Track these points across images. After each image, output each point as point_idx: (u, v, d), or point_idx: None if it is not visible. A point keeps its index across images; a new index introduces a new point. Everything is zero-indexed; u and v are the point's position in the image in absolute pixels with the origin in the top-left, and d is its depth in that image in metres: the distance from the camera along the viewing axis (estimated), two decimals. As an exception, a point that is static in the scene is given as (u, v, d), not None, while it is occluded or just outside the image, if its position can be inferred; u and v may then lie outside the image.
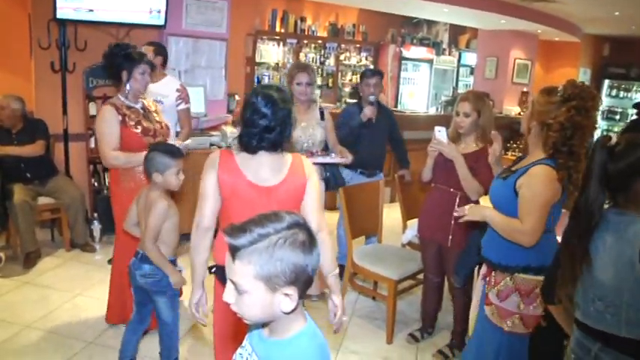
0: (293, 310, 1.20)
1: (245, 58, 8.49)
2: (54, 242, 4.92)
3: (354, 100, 4.98)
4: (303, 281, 1.18)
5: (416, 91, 10.20)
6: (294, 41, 9.14)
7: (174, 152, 2.75)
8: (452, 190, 3.20)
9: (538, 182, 2.28)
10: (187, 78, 5.44)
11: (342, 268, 3.69)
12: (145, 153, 2.85)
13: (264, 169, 2.20)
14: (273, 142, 2.16)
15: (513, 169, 2.46)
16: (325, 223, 2.32)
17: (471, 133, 3.21)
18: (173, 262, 2.80)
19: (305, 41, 9.33)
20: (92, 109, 5.11)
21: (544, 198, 2.27)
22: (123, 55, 3.25)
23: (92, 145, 5.15)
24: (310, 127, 3.89)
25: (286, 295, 1.16)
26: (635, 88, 10.72)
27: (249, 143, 2.16)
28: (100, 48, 3.32)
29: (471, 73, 10.66)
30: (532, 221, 2.27)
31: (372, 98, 4.12)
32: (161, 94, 4.20)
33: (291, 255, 1.14)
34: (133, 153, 3.22)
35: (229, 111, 6.80)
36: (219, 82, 5.77)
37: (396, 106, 9.58)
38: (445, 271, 3.41)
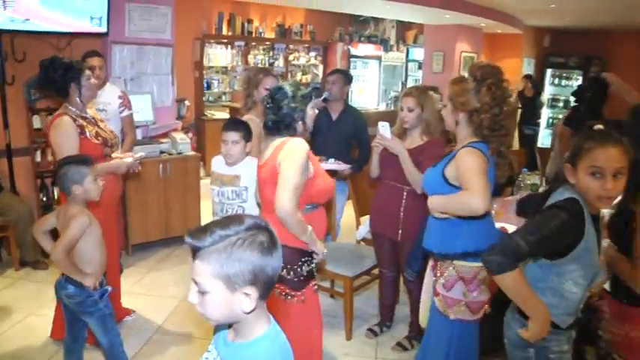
0: (253, 311, 1.23)
1: (193, 62, 8.43)
2: (2, 262, 4.74)
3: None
4: (263, 281, 1.21)
5: (366, 87, 10.30)
6: (242, 44, 9.11)
7: (86, 160, 2.69)
8: (399, 185, 3.26)
9: (467, 157, 2.33)
10: (133, 86, 5.35)
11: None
12: (109, 162, 2.96)
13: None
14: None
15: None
16: (287, 206, 2.34)
17: (416, 128, 3.27)
18: (100, 285, 2.71)
19: (253, 43, 9.31)
20: (36, 122, 4.98)
21: (478, 166, 2.30)
22: (64, 69, 3.16)
23: (38, 159, 5.04)
24: None
25: (246, 294, 1.19)
26: (574, 76, 11.09)
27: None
28: (40, 59, 3.21)
29: (420, 67, 10.82)
30: (477, 185, 2.27)
31: (325, 94, 4.20)
32: (103, 102, 4.14)
33: (249, 255, 1.18)
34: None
35: (179, 117, 6.74)
36: (166, 89, 5.70)
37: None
38: (399, 264, 3.47)
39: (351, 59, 9.96)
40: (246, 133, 3.02)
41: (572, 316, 1.97)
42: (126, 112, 4.26)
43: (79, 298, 2.65)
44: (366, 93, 10.28)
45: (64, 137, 3.14)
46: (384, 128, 3.20)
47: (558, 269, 1.91)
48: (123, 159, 3.39)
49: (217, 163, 3.10)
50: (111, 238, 3.45)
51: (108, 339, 2.77)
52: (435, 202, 2.46)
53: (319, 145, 4.13)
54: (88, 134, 3.21)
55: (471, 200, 2.26)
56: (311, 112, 2.64)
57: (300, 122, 2.54)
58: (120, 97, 4.25)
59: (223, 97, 9.11)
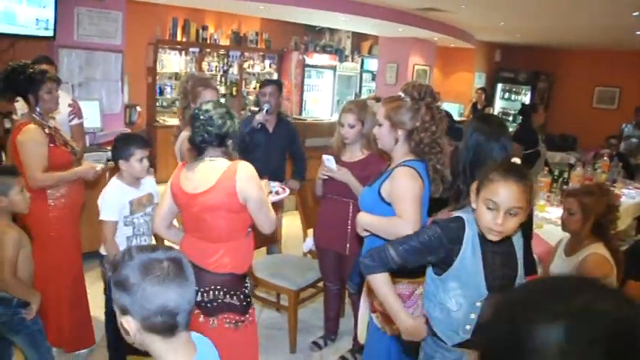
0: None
1: (146, 67, 8.31)
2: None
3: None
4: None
5: (320, 97, 10.34)
6: (197, 50, 9.03)
7: (11, 171, 2.63)
8: (344, 199, 3.28)
9: (402, 179, 2.36)
10: (81, 92, 5.26)
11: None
12: (77, 168, 2.97)
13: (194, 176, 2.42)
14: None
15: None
16: (274, 224, 2.53)
17: (356, 142, 3.30)
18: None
19: (207, 50, 9.24)
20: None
21: (412, 191, 2.34)
22: (24, 79, 3.07)
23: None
24: None
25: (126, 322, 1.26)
26: (523, 91, 11.41)
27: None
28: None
29: (373, 78, 10.93)
30: (410, 212, 2.32)
31: (266, 106, 4.15)
32: (53, 110, 4.05)
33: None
34: (59, 172, 3.15)
35: (130, 122, 6.63)
36: (115, 95, 5.61)
37: (300, 113, 9.70)
38: (344, 278, 3.49)
39: (306, 68, 10.00)
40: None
41: (457, 335, 1.98)
42: (76, 121, 4.16)
43: (5, 317, 2.57)
44: (320, 103, 10.32)
45: (35, 147, 3.06)
46: (329, 162, 3.23)
47: (443, 285, 1.98)
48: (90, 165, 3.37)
49: (121, 190, 2.92)
50: (77, 250, 3.44)
51: (37, 356, 2.69)
52: (363, 219, 2.49)
53: (260, 159, 4.12)
54: (57, 142, 3.16)
55: (402, 229, 2.22)
56: (260, 117, 2.67)
57: (230, 141, 2.44)
58: (70, 106, 4.14)
59: (177, 103, 9.00)
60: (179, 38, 8.76)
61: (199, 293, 2.37)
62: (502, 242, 1.91)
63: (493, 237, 1.83)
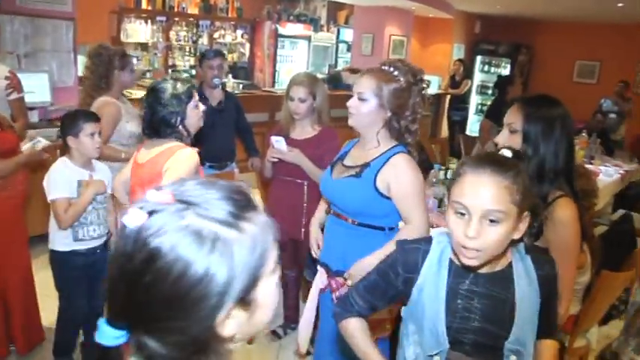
0: None
1: (110, 37, 7.92)
2: None
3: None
4: None
5: (294, 69, 9.99)
6: (164, 19, 8.65)
7: None
8: (298, 180, 3.05)
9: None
10: (28, 63, 4.89)
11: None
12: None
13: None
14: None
15: (349, 163, 2.27)
16: None
17: (307, 118, 3.07)
18: None
19: (176, 19, 8.87)
20: None
21: (419, 185, 2.18)
22: None
23: None
24: None
25: None
26: (503, 64, 11.17)
27: None
28: None
29: (350, 49, 10.63)
30: (419, 213, 2.15)
31: (216, 82, 3.83)
32: (-14, 82, 3.70)
33: None
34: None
35: (85, 96, 6.27)
36: (67, 67, 5.24)
37: (273, 85, 9.37)
38: (300, 264, 3.29)
39: (279, 39, 9.68)
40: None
41: None
42: (14, 95, 3.82)
43: None
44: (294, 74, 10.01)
45: None
46: (278, 143, 3.01)
47: (404, 326, 1.58)
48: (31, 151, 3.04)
49: (69, 169, 2.69)
50: (22, 241, 3.15)
51: None
52: (367, 264, 1.98)
53: (212, 139, 3.85)
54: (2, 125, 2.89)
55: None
56: (194, 112, 2.39)
57: (180, 127, 2.33)
58: (7, 78, 3.80)
59: (148, 75, 8.64)
60: (144, 6, 8.38)
61: None
62: (489, 277, 1.43)
63: (466, 259, 1.34)
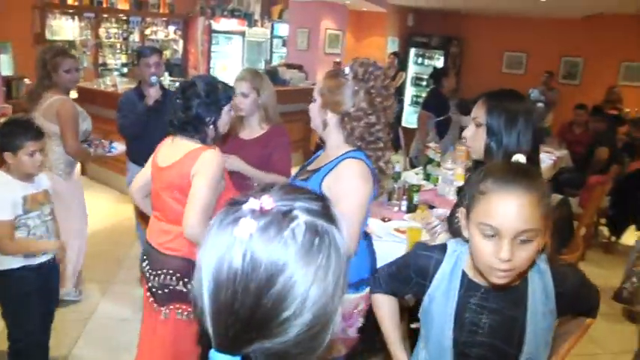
0: None
1: (33, 35, 7.54)
2: None
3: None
4: None
5: (229, 64, 9.86)
6: (92, 15, 8.32)
7: None
8: (247, 181, 2.97)
9: (351, 177, 1.97)
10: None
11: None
12: None
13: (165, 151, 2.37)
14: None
15: (310, 168, 2.18)
16: (197, 227, 2.14)
17: (254, 115, 3.00)
18: None
19: (105, 15, 8.55)
20: None
21: (362, 196, 1.96)
22: None
23: None
24: None
25: None
26: (436, 56, 11.38)
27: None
28: None
29: (284, 44, 10.56)
30: (355, 228, 1.94)
31: (154, 80, 3.67)
32: None
33: None
34: None
35: (10, 98, 5.98)
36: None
37: (209, 82, 9.20)
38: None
39: (213, 34, 9.50)
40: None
41: None
42: None
43: None
44: (229, 70, 9.83)
45: None
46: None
47: (421, 330, 1.60)
48: None
49: (10, 185, 2.48)
50: None
51: None
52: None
53: (150, 139, 3.74)
54: None
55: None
56: (226, 117, 2.36)
57: (211, 127, 2.30)
58: None
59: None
60: (70, 1, 8.02)
61: (151, 275, 2.31)
62: (502, 293, 1.38)
63: (496, 279, 1.27)
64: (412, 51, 11.66)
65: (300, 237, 0.74)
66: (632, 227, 5.48)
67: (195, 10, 9.67)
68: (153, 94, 3.66)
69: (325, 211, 0.80)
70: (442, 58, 11.26)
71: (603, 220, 6.04)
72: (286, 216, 0.75)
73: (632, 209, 5.23)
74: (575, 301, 1.49)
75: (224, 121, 2.36)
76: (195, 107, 2.24)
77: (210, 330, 0.76)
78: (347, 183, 1.95)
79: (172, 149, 2.32)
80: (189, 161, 2.22)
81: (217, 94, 2.29)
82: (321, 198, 0.82)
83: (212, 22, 9.48)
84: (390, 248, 2.83)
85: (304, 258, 0.73)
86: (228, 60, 9.87)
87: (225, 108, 2.33)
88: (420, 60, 11.64)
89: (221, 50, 9.75)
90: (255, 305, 0.72)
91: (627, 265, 3.28)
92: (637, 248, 2.87)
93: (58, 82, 3.48)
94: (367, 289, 2.06)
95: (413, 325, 1.78)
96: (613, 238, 5.87)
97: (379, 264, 2.65)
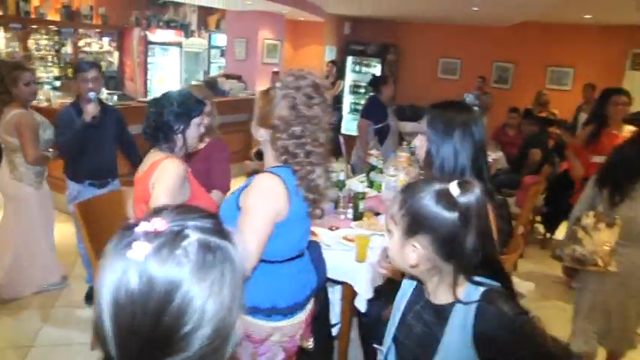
0: None
1: (-43, 47, 7.25)
2: None
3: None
4: None
5: (166, 76, 9.71)
6: (19, 26, 8.04)
7: None
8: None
9: (256, 193, 1.90)
10: None
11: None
12: None
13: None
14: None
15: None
16: None
17: None
18: None
19: (34, 26, 8.27)
20: None
21: (262, 213, 1.88)
22: None
23: None
24: None
25: None
26: (373, 64, 11.58)
27: None
28: None
29: (223, 54, 10.50)
30: (246, 238, 1.83)
31: (92, 95, 3.57)
32: None
33: None
34: None
35: None
36: None
37: (146, 95, 9.03)
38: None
39: (150, 46, 9.33)
40: None
41: None
42: None
43: None
44: (167, 82, 9.69)
45: None
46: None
47: None
48: None
49: None
50: None
51: None
52: None
53: (91, 157, 3.69)
54: None
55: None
56: (195, 130, 2.35)
57: (179, 136, 2.28)
58: None
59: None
60: (-4, 13, 7.73)
61: None
62: (434, 308, 1.42)
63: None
64: (349, 59, 11.82)
65: (193, 254, 0.78)
66: (565, 223, 5.74)
67: (129, 21, 9.49)
68: (90, 110, 3.56)
69: (217, 228, 0.84)
70: (379, 66, 11.47)
71: (538, 218, 6.32)
72: (178, 235, 0.79)
73: (564, 206, 5.47)
74: (506, 353, 1.31)
75: (193, 133, 2.36)
76: (166, 115, 2.27)
77: (115, 355, 0.78)
78: (251, 198, 1.90)
79: (145, 161, 2.34)
80: (151, 172, 2.24)
81: (189, 104, 2.32)
82: (213, 215, 0.86)
83: (148, 33, 9.32)
84: (339, 257, 2.88)
85: (198, 274, 0.77)
86: (165, 72, 9.71)
87: (196, 120, 2.34)
88: (357, 68, 11.81)
89: (158, 62, 9.58)
90: (155, 323, 0.75)
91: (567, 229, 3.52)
92: (574, 214, 3.22)
93: (19, 96, 3.54)
94: (285, 321, 2.00)
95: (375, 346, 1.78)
96: (548, 235, 6.14)
97: (330, 273, 2.71)
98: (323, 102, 1.95)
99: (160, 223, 0.79)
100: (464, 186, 1.28)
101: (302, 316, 2.08)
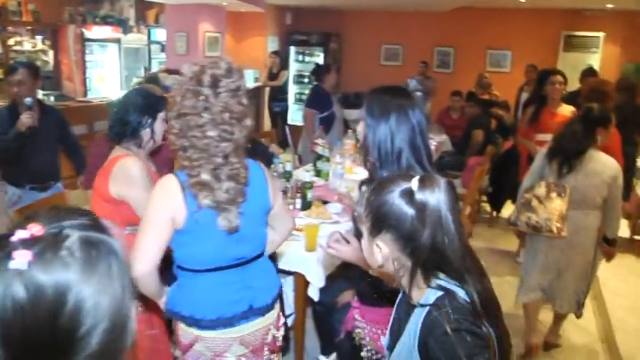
0: None
1: None
2: None
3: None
4: None
5: (106, 74, 9.42)
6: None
7: None
8: None
9: (153, 191, 1.91)
10: None
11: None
12: None
13: None
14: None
15: None
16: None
17: None
18: None
19: (-43, 26, 7.88)
20: None
21: (152, 212, 1.84)
22: None
23: None
24: None
25: None
26: (316, 53, 11.56)
27: None
28: None
29: (163, 49, 10.27)
30: (139, 241, 1.82)
31: (28, 101, 3.42)
32: None
33: None
34: None
35: None
36: None
37: (85, 94, 8.75)
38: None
39: (87, 43, 9.01)
40: None
41: None
42: None
43: None
44: (107, 81, 9.40)
45: None
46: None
47: None
48: None
49: None
50: None
51: None
52: None
53: (29, 161, 3.55)
54: None
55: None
56: (160, 125, 2.36)
57: (147, 130, 2.35)
58: None
59: None
60: None
61: None
62: (407, 307, 1.42)
63: None
64: (292, 49, 11.77)
65: (78, 252, 0.76)
66: (509, 202, 5.91)
67: (64, 18, 9.14)
68: (25, 121, 3.38)
69: (94, 224, 0.83)
70: (322, 55, 11.46)
71: (484, 198, 6.48)
72: (58, 237, 0.77)
73: (509, 185, 5.63)
74: None
75: (160, 127, 2.38)
76: (132, 112, 2.31)
77: None
78: (151, 197, 1.89)
79: (109, 157, 2.38)
80: (110, 167, 2.29)
81: (153, 99, 2.39)
82: (87, 212, 0.86)
83: (84, 30, 9.00)
84: (289, 247, 2.88)
85: (87, 271, 0.76)
86: (105, 69, 9.41)
87: (161, 114, 2.36)
88: (301, 58, 11.77)
89: (96, 59, 9.26)
90: (52, 329, 0.73)
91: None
92: (525, 184, 3.52)
93: None
94: (208, 333, 1.93)
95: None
96: (494, 213, 6.30)
97: (281, 264, 2.71)
98: (215, 94, 1.79)
99: (36, 228, 0.77)
100: (424, 181, 1.26)
101: (233, 334, 1.95)
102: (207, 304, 1.92)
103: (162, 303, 2.04)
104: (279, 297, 2.14)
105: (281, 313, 2.17)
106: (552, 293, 3.55)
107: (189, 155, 1.81)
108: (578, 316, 3.67)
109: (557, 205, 3.24)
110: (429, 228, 1.23)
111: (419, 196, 1.24)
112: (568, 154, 3.28)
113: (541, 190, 3.31)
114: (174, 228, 1.83)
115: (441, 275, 1.29)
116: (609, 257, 3.58)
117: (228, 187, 1.81)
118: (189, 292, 1.96)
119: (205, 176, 1.79)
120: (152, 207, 1.85)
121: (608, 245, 3.46)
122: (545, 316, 3.88)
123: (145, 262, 1.82)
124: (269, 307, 2.03)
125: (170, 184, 1.84)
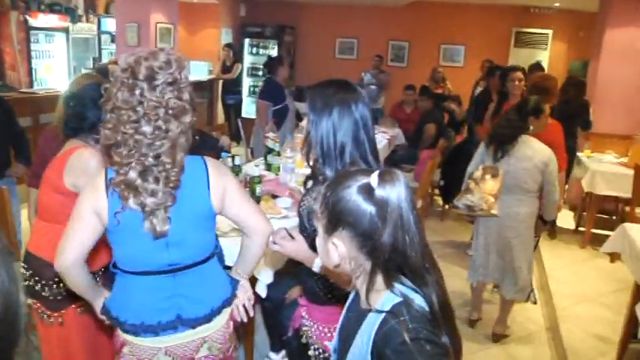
0: None
1: None
2: None
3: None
4: None
5: (53, 65, 9.10)
6: None
7: None
8: None
9: (84, 185, 1.91)
10: None
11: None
12: None
13: None
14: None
15: None
16: None
17: None
18: None
19: None
20: None
21: (78, 203, 1.79)
22: None
23: None
24: None
25: None
26: (270, 46, 11.47)
27: None
28: None
29: (113, 40, 10.00)
30: (63, 233, 1.79)
31: None
32: None
33: None
34: None
35: None
36: None
37: (31, 85, 8.44)
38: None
39: (32, 32, 8.68)
40: None
41: None
42: None
43: None
44: (55, 71, 9.08)
45: None
46: None
47: None
48: None
49: None
50: None
51: None
52: None
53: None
54: None
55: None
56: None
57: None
58: None
59: None
60: None
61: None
62: (358, 311, 1.35)
63: None
64: (246, 41, 11.65)
65: None
66: (461, 195, 5.99)
67: (5, 4, 8.75)
68: None
69: None
70: (276, 47, 11.37)
71: (436, 191, 6.54)
72: None
73: (460, 178, 5.69)
74: None
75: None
76: (90, 106, 2.23)
77: None
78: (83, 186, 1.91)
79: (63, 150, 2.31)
80: (65, 158, 2.22)
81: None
82: None
83: (28, 17, 8.66)
84: (236, 243, 2.81)
85: None
86: (52, 60, 9.08)
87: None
88: (254, 50, 11.66)
89: (42, 49, 8.93)
90: None
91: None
92: (469, 171, 3.77)
93: None
94: (131, 338, 1.88)
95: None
96: (446, 207, 6.37)
97: (228, 261, 2.65)
98: (151, 87, 1.68)
99: None
100: (384, 177, 1.20)
101: (157, 344, 1.87)
102: (131, 307, 1.85)
103: (96, 306, 1.96)
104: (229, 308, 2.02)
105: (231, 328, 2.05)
106: (498, 277, 3.80)
107: (120, 151, 1.70)
108: (533, 302, 4.09)
109: (490, 185, 3.47)
110: (390, 226, 1.17)
111: (379, 192, 1.19)
112: (503, 139, 3.53)
113: (478, 173, 3.56)
114: (102, 224, 1.77)
115: (403, 279, 1.23)
116: (552, 236, 4.38)
117: (155, 189, 1.70)
118: (119, 293, 1.91)
119: (133, 175, 1.69)
120: (79, 199, 1.80)
121: (545, 225, 3.92)
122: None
123: (66, 254, 1.75)
124: (201, 320, 1.90)
125: (98, 179, 1.79)
